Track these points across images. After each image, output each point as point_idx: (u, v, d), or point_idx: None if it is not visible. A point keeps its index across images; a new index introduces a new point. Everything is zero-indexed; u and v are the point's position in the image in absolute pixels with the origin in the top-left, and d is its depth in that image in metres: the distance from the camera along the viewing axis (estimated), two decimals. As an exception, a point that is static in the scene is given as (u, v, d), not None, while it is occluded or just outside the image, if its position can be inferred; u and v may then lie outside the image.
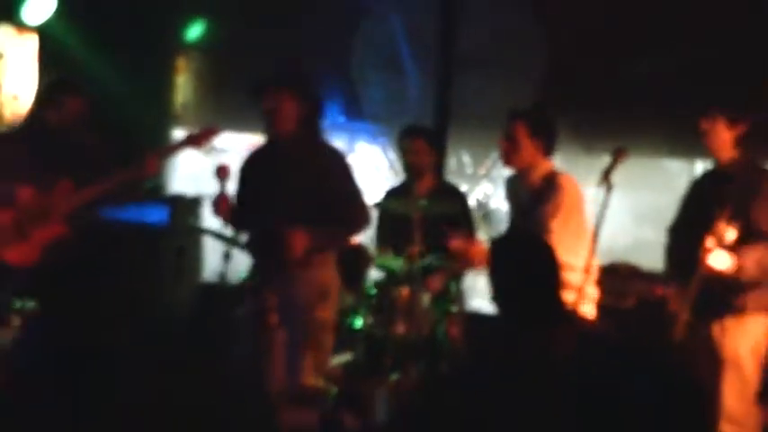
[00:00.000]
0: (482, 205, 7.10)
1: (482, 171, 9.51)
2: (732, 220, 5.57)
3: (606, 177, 5.47)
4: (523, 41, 9.13)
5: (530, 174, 6.04)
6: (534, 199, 5.98)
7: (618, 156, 5.58)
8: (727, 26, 8.03)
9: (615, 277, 7.02)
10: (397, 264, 7.01)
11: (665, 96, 8.34)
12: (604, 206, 5.38)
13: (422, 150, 7.39)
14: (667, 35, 8.32)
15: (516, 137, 6.00)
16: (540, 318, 3.84)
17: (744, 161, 5.81)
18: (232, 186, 6.01)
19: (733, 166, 5.79)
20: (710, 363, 5.78)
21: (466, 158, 9.53)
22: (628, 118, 8.35)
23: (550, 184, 5.94)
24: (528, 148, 6.00)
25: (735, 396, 5.76)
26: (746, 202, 5.65)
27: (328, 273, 5.96)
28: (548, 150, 6.07)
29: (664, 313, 5.98)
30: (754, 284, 5.69)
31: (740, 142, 5.80)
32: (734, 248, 5.51)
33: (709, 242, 5.51)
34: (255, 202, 5.96)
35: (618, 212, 5.93)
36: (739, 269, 5.55)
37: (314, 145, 5.91)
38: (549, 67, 8.97)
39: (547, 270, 3.99)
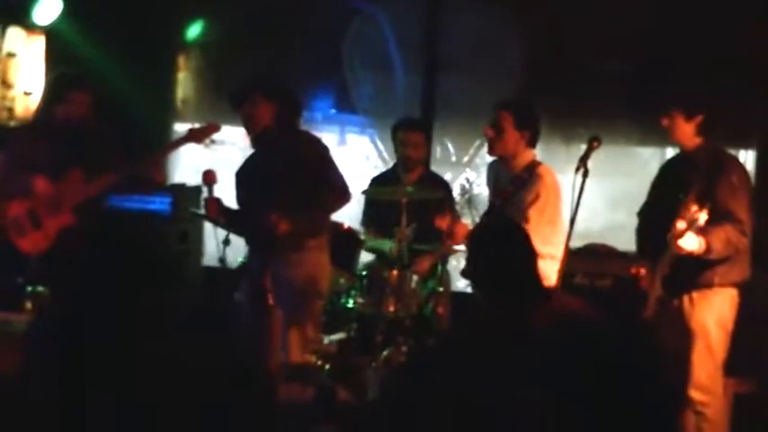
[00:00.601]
0: (465, 191, 7.09)
1: (465, 159, 9.52)
2: (700, 202, 5.59)
3: (582, 164, 5.49)
4: (503, 40, 9.14)
5: (512, 162, 6.06)
6: (514, 186, 6.00)
7: (592, 144, 5.61)
8: (689, 27, 8.07)
9: (592, 258, 7.04)
10: (387, 245, 7.05)
11: (635, 89, 8.37)
12: (581, 192, 5.40)
13: (419, 143, 7.41)
14: (635, 34, 8.34)
15: (502, 126, 6.01)
16: (516, 295, 3.85)
17: (708, 147, 5.84)
18: (220, 190, 6.11)
19: (698, 152, 5.82)
20: (680, 335, 5.81)
21: (450, 147, 9.52)
22: (602, 110, 8.38)
23: (530, 173, 5.97)
24: (512, 137, 6.01)
25: (702, 365, 5.79)
26: (712, 185, 5.67)
27: (320, 258, 6.08)
28: (531, 142, 6.10)
29: (637, 291, 6.01)
30: (722, 260, 5.72)
31: (701, 130, 5.82)
32: (703, 230, 5.53)
33: (680, 224, 5.53)
34: (248, 200, 6.12)
35: (593, 197, 5.96)
36: (708, 250, 5.57)
37: (290, 135, 6.02)
38: (528, 63, 8.98)
39: (523, 250, 4.00)
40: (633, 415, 2.20)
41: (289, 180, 5.91)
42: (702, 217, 5.44)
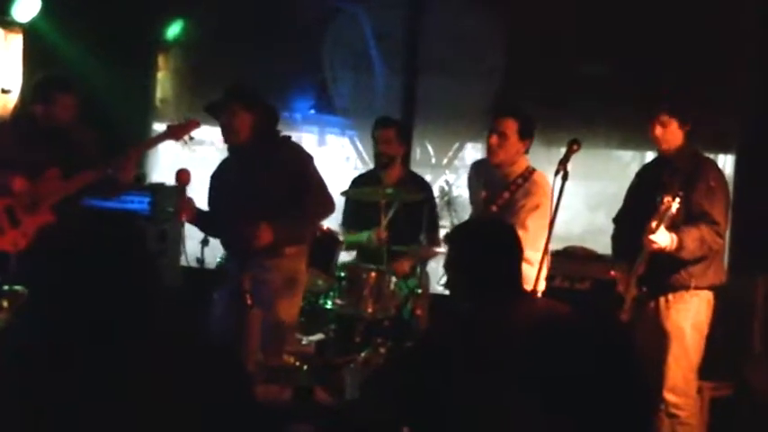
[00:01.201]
0: (444, 193, 7.12)
1: (444, 161, 9.53)
2: (680, 205, 5.61)
3: (562, 167, 5.51)
4: (484, 41, 9.15)
5: (508, 168, 6.06)
6: (511, 192, 6.00)
7: (572, 147, 5.63)
8: (667, 32, 8.10)
9: (571, 260, 7.07)
10: (365, 236, 7.06)
11: (616, 92, 8.39)
12: (560, 194, 5.42)
13: (392, 140, 7.42)
14: (616, 37, 8.37)
15: (506, 133, 6.00)
16: (500, 294, 3.85)
17: (687, 150, 5.88)
18: (198, 189, 6.11)
19: (677, 155, 5.85)
20: (655, 336, 5.84)
21: (429, 149, 9.53)
22: (582, 112, 8.40)
23: (527, 180, 5.97)
24: (515, 145, 6.03)
25: (678, 368, 5.82)
26: (689, 187, 5.70)
27: (298, 264, 6.12)
28: (527, 150, 6.12)
29: (615, 294, 6.04)
30: (697, 261, 5.75)
31: (688, 136, 5.86)
32: (676, 228, 5.57)
33: (653, 222, 5.56)
34: (224, 207, 6.12)
35: (572, 200, 5.99)
36: (680, 247, 5.60)
37: (270, 145, 6.02)
38: (509, 65, 9.00)
39: (512, 248, 3.99)
40: (610, 413, 2.20)
41: (271, 191, 5.92)
42: (674, 206, 5.47)
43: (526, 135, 6.04)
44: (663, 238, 5.57)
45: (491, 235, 4.08)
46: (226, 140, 6.05)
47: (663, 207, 5.51)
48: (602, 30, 8.44)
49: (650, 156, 8.39)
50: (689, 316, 5.84)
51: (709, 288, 5.88)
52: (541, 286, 5.74)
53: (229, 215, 6.04)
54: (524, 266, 5.70)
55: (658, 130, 5.83)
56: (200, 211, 6.12)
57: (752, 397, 6.54)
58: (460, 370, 3.63)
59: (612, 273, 6.27)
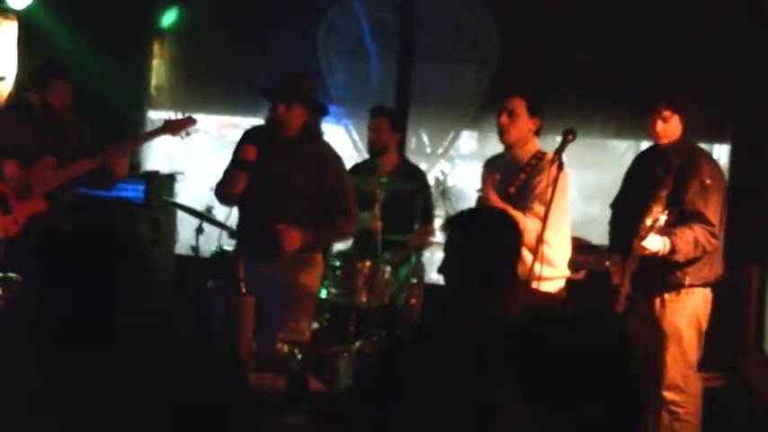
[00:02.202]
0: (440, 183, 7.11)
1: (440, 150, 9.51)
2: (669, 200, 5.59)
3: (557, 157, 5.49)
4: (479, 30, 9.14)
5: (520, 150, 5.98)
6: (526, 173, 5.94)
7: (567, 137, 5.59)
8: (664, 20, 8.10)
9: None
10: (361, 218, 7.06)
11: (611, 82, 8.39)
12: (555, 184, 5.40)
13: (383, 128, 7.41)
14: (611, 26, 8.36)
15: (516, 111, 5.92)
16: (493, 284, 3.83)
17: (682, 141, 5.86)
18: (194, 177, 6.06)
19: (672, 147, 5.83)
20: (652, 335, 5.83)
21: (425, 138, 9.52)
22: (577, 102, 8.39)
23: (540, 160, 5.91)
24: (525, 123, 5.94)
25: (676, 366, 5.81)
26: (683, 184, 5.68)
27: (313, 253, 6.09)
28: (538, 131, 6.04)
29: (610, 284, 6.02)
30: (691, 260, 5.73)
31: (684, 128, 5.84)
32: (668, 231, 5.52)
33: (648, 221, 5.53)
34: (249, 189, 5.96)
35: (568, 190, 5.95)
36: (672, 251, 5.57)
37: (311, 144, 5.96)
38: (504, 54, 8.99)
39: (515, 240, 3.96)
40: (601, 408, 2.19)
41: (308, 196, 5.88)
42: (662, 218, 5.44)
43: (535, 112, 5.97)
44: (654, 243, 5.54)
45: (496, 227, 4.05)
46: (273, 129, 5.92)
47: (651, 218, 5.46)
48: (598, 19, 8.43)
49: (645, 146, 8.40)
50: (684, 314, 5.82)
51: (705, 284, 5.86)
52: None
53: (254, 201, 5.96)
54: (545, 248, 5.73)
55: (659, 126, 5.79)
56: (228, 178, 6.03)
57: (745, 388, 6.54)
58: (453, 363, 3.64)
59: (607, 263, 6.25)
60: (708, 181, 5.70)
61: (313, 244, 5.94)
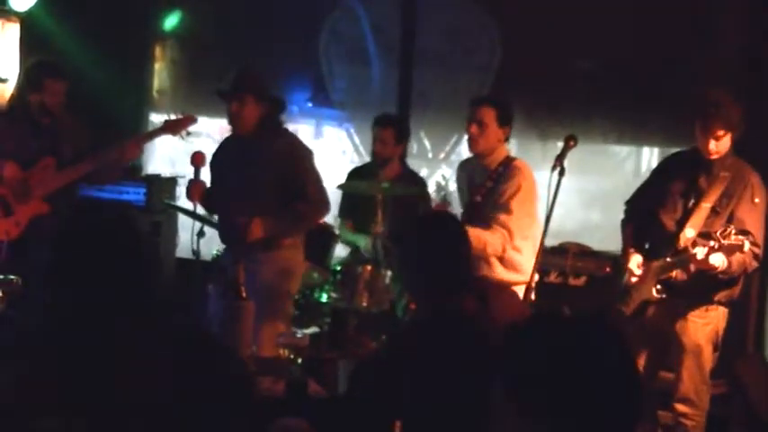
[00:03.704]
0: (441, 188, 7.11)
1: (441, 155, 9.52)
2: (713, 213, 5.51)
3: (558, 163, 5.48)
4: (481, 35, 9.15)
5: (488, 158, 6.01)
6: (493, 181, 5.95)
7: (569, 143, 5.58)
8: (662, 27, 8.11)
9: (566, 257, 7.06)
10: (362, 242, 7.06)
11: (613, 87, 8.38)
12: (556, 190, 5.40)
13: (389, 140, 7.38)
14: (614, 32, 8.36)
15: (485, 122, 5.92)
16: (447, 288, 3.87)
17: (729, 157, 5.68)
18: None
19: (719, 161, 5.65)
20: (668, 344, 5.77)
21: (426, 143, 9.53)
22: (579, 108, 8.39)
23: (507, 167, 5.93)
24: (495, 133, 5.94)
25: (691, 380, 5.74)
26: (730, 198, 5.57)
27: (294, 255, 6.14)
28: (507, 138, 6.06)
29: (612, 286, 5.97)
30: (728, 279, 5.61)
31: (734, 142, 5.64)
32: (725, 249, 5.36)
33: (687, 236, 5.46)
34: (220, 189, 6.12)
35: (568, 196, 5.95)
36: (725, 271, 5.44)
37: (274, 138, 6.01)
38: (506, 59, 8.99)
39: (457, 243, 4.00)
40: (599, 406, 2.19)
41: (268, 186, 5.92)
42: (747, 243, 5.25)
43: (505, 122, 5.97)
44: (717, 260, 5.40)
45: (440, 227, 4.10)
46: (232, 128, 6.05)
47: (723, 234, 5.29)
48: (599, 24, 8.43)
49: (647, 152, 8.39)
50: (707, 331, 5.69)
51: (729, 304, 5.77)
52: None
53: (223, 202, 6.10)
54: (512, 254, 5.80)
55: (713, 145, 5.57)
56: (208, 198, 6.15)
57: (745, 394, 6.53)
58: (439, 366, 3.66)
59: (608, 269, 6.24)
60: (757, 200, 5.57)
61: (277, 232, 5.95)
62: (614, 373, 2.20)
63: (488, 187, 5.94)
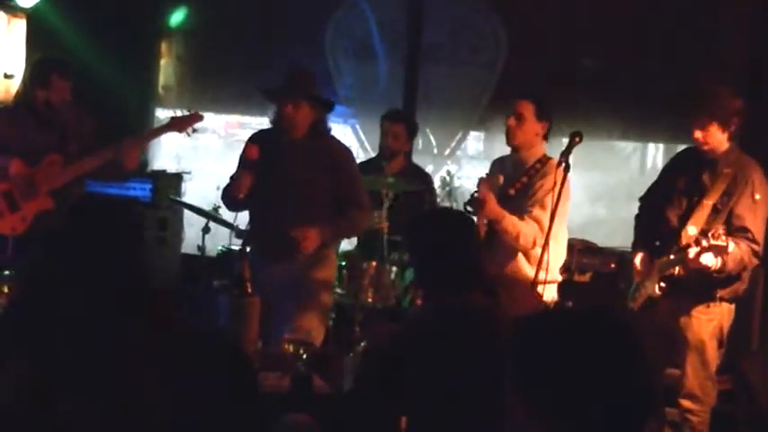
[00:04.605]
0: (446, 183, 7.12)
1: (447, 151, 9.52)
2: (715, 210, 5.51)
3: (564, 159, 5.47)
4: (486, 32, 9.15)
5: (526, 152, 5.94)
6: (528, 176, 5.91)
7: (574, 139, 5.57)
8: (667, 23, 8.10)
9: (571, 253, 7.05)
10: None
11: (618, 84, 8.38)
12: (561, 186, 5.39)
13: (400, 135, 7.38)
14: (620, 29, 8.36)
15: (524, 115, 5.89)
16: (455, 284, 3.88)
17: (732, 153, 5.69)
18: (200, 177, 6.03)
19: (721, 158, 5.66)
20: (673, 341, 5.77)
21: (432, 139, 9.53)
22: (584, 104, 8.38)
23: (544, 164, 5.89)
24: (533, 127, 5.89)
25: (695, 376, 5.74)
26: (731, 195, 5.57)
27: (333, 260, 6.11)
28: (546, 135, 6.01)
29: (618, 282, 5.97)
30: (729, 276, 5.61)
31: (732, 136, 5.67)
32: (714, 250, 5.37)
33: (691, 229, 5.46)
34: (260, 191, 5.86)
35: (573, 192, 5.93)
36: (721, 270, 5.45)
37: (322, 141, 5.88)
38: (511, 56, 8.99)
39: (465, 239, 4.02)
40: (609, 402, 2.18)
41: (324, 191, 5.82)
42: (722, 240, 5.29)
43: (544, 117, 5.93)
44: (710, 259, 5.42)
45: (452, 222, 4.13)
46: (281, 130, 5.83)
47: (712, 233, 5.32)
48: (604, 21, 8.42)
49: (652, 148, 8.39)
50: (711, 327, 5.71)
51: (733, 299, 5.78)
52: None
53: (265, 203, 5.87)
54: (539, 251, 5.73)
55: (698, 134, 5.62)
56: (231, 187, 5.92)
57: (749, 391, 6.52)
58: (447, 361, 3.66)
59: (613, 265, 6.23)
60: (758, 196, 5.57)
61: (330, 240, 5.89)
62: (624, 371, 2.19)
63: (523, 182, 5.90)
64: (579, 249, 7.13)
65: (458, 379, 3.63)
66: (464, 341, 3.72)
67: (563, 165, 5.44)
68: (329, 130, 5.98)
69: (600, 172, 8.56)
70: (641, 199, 6.15)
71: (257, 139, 6.03)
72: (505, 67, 9.01)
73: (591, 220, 8.13)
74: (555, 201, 5.36)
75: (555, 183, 5.57)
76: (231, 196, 5.92)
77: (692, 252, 5.36)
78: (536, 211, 5.70)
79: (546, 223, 5.53)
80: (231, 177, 5.94)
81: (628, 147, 9.14)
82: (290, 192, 5.79)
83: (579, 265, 7.07)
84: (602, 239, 7.00)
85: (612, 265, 6.30)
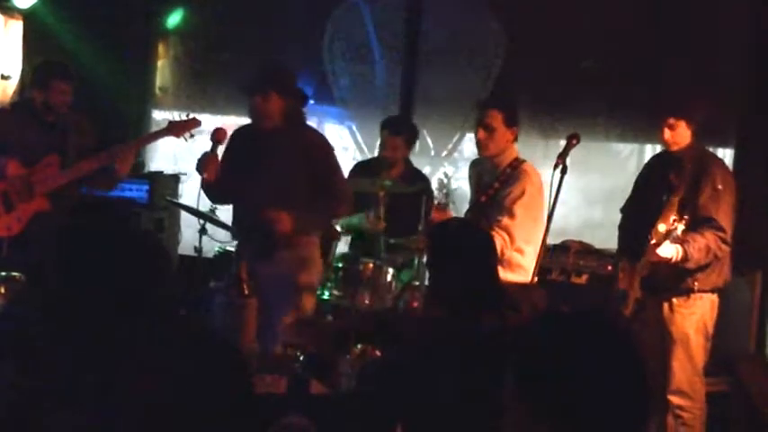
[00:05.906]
0: (443, 185, 7.10)
1: (444, 153, 9.51)
2: (681, 206, 5.57)
3: (561, 161, 5.48)
4: (483, 34, 9.14)
5: (497, 159, 6.01)
6: (500, 182, 5.96)
7: (571, 141, 5.59)
8: (668, 24, 8.10)
9: (568, 255, 7.05)
10: (356, 219, 7.03)
11: (615, 86, 8.37)
12: (558, 188, 5.40)
13: (399, 148, 7.38)
14: (616, 31, 8.35)
15: (493, 125, 5.93)
16: (473, 302, 3.86)
17: (694, 147, 5.83)
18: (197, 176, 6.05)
19: (684, 152, 5.81)
20: (660, 339, 5.81)
21: (429, 141, 9.51)
22: (581, 106, 8.38)
23: (515, 169, 5.93)
24: (503, 135, 5.95)
25: (683, 371, 5.80)
26: (696, 189, 5.66)
27: (313, 250, 6.10)
28: (515, 138, 6.05)
29: (612, 289, 6.01)
30: (701, 266, 5.70)
31: (695, 133, 5.81)
32: (681, 238, 5.49)
33: (661, 227, 5.51)
34: (241, 181, 5.97)
35: (570, 194, 5.95)
36: (685, 258, 5.54)
37: (301, 131, 5.98)
38: (508, 58, 8.98)
39: (484, 254, 4.00)
40: (609, 405, 2.17)
41: (298, 180, 5.87)
42: (680, 228, 5.41)
43: (512, 123, 5.99)
44: (667, 250, 5.51)
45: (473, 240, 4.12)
46: (254, 122, 5.96)
47: (665, 225, 5.45)
48: (602, 23, 8.41)
49: (649, 150, 8.38)
50: (693, 320, 5.80)
51: (713, 290, 5.84)
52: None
53: (244, 194, 5.97)
54: (514, 254, 5.80)
55: (667, 134, 5.78)
56: (219, 176, 5.99)
57: (746, 394, 6.53)
58: (448, 365, 3.65)
59: (610, 267, 6.24)
60: (720, 186, 5.68)
61: (305, 227, 5.91)
62: (624, 372, 2.18)
63: (495, 188, 5.95)
64: (576, 251, 7.12)
65: (455, 392, 3.62)
66: (466, 358, 3.70)
67: (560, 167, 5.45)
68: (304, 119, 6.08)
69: (597, 174, 8.55)
70: (621, 210, 6.25)
71: (238, 132, 6.20)
72: (503, 69, 8.99)
73: (588, 223, 8.13)
74: (552, 202, 5.38)
75: (524, 191, 5.68)
76: (205, 183, 6.01)
77: (653, 249, 5.49)
78: (504, 220, 5.77)
79: (515, 231, 5.61)
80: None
81: (625, 149, 9.12)
82: (265, 181, 5.87)
83: (576, 267, 7.05)
84: (599, 241, 6.99)
85: (609, 268, 6.30)
